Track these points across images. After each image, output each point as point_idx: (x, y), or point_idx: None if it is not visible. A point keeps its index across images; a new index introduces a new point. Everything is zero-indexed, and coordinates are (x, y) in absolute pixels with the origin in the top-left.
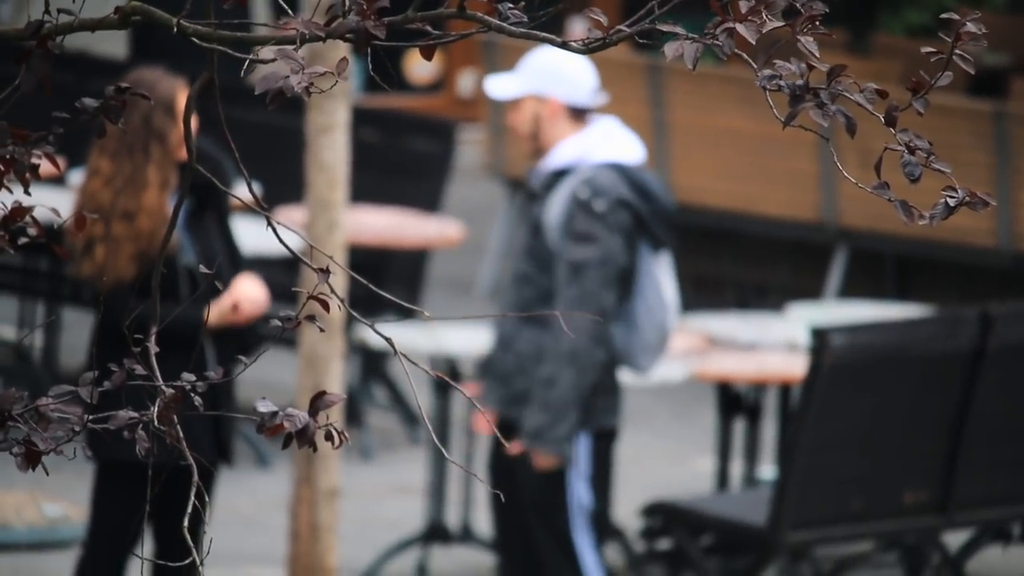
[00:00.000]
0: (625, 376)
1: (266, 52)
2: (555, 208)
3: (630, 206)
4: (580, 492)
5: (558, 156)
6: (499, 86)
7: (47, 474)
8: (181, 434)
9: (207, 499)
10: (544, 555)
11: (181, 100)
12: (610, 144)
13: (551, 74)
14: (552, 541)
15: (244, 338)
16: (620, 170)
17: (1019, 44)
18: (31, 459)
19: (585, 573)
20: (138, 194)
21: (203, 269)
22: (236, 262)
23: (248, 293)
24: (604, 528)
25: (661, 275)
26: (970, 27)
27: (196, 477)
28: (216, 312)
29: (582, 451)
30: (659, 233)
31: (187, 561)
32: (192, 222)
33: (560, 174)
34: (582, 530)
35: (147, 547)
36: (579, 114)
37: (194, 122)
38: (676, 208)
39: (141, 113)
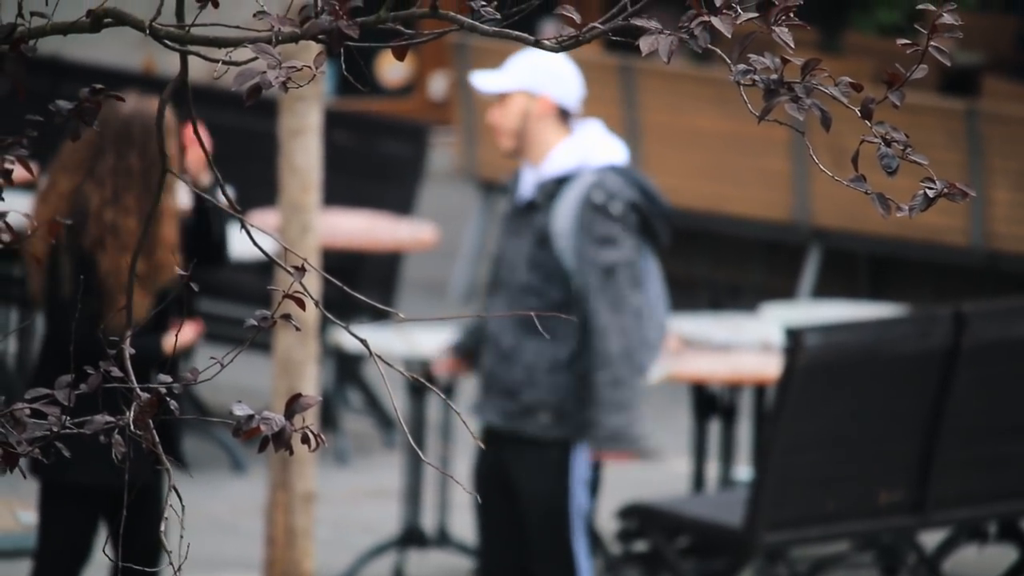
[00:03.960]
0: None
1: (240, 53)
2: (564, 216)
3: (638, 207)
4: (580, 498)
5: (556, 163)
6: (488, 80)
7: (24, 476)
8: (156, 439)
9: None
10: (536, 563)
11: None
12: (604, 148)
13: (546, 73)
14: (551, 547)
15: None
16: (621, 172)
17: (990, 43)
18: (9, 461)
19: None
20: (157, 227)
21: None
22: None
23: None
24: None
25: (655, 273)
26: (946, 19)
27: (171, 480)
28: (172, 342)
29: (584, 457)
30: (660, 233)
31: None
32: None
33: (560, 181)
34: (580, 536)
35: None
36: (565, 117)
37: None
38: (670, 208)
39: (151, 145)
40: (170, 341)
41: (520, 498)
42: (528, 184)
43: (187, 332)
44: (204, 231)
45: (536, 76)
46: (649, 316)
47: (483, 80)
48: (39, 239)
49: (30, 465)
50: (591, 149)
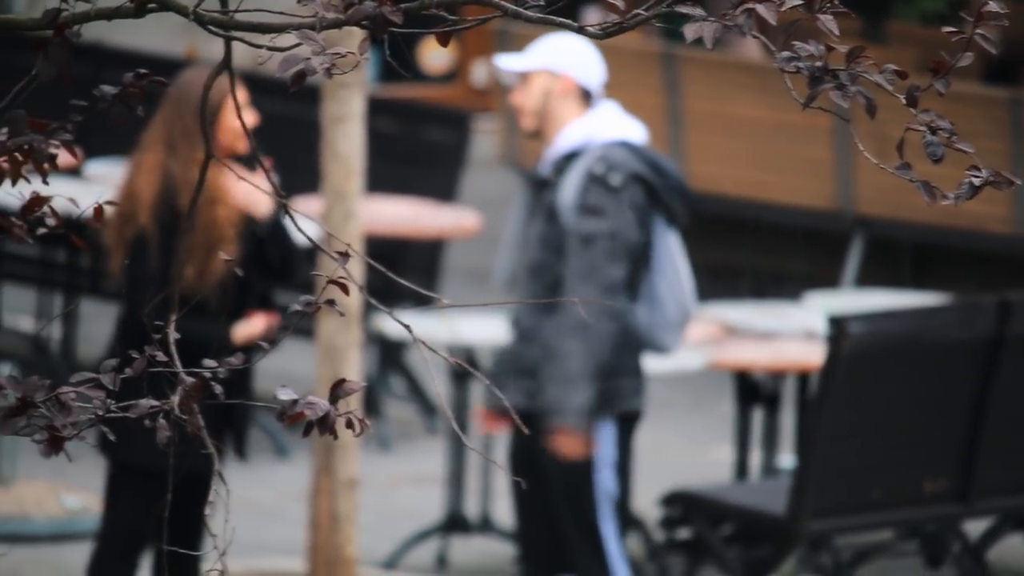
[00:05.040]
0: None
1: (284, 39)
2: (569, 189)
3: (644, 180)
4: (606, 480)
5: (565, 139)
6: (511, 61)
7: (70, 460)
8: (202, 423)
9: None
10: (569, 544)
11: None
12: (615, 124)
13: (568, 53)
14: (578, 530)
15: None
16: (630, 147)
17: None
18: (54, 445)
19: (609, 562)
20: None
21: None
22: (289, 264)
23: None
24: (624, 517)
25: (675, 251)
26: (992, 6)
27: (217, 466)
28: (243, 331)
29: (607, 437)
30: (674, 207)
31: (205, 551)
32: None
33: (569, 157)
34: (607, 518)
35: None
36: (586, 99)
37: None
38: (687, 184)
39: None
40: (242, 330)
41: (548, 478)
42: (545, 163)
43: (258, 322)
44: (277, 244)
45: (559, 56)
46: (668, 294)
47: (506, 61)
48: (123, 221)
49: (101, 444)
50: (599, 125)
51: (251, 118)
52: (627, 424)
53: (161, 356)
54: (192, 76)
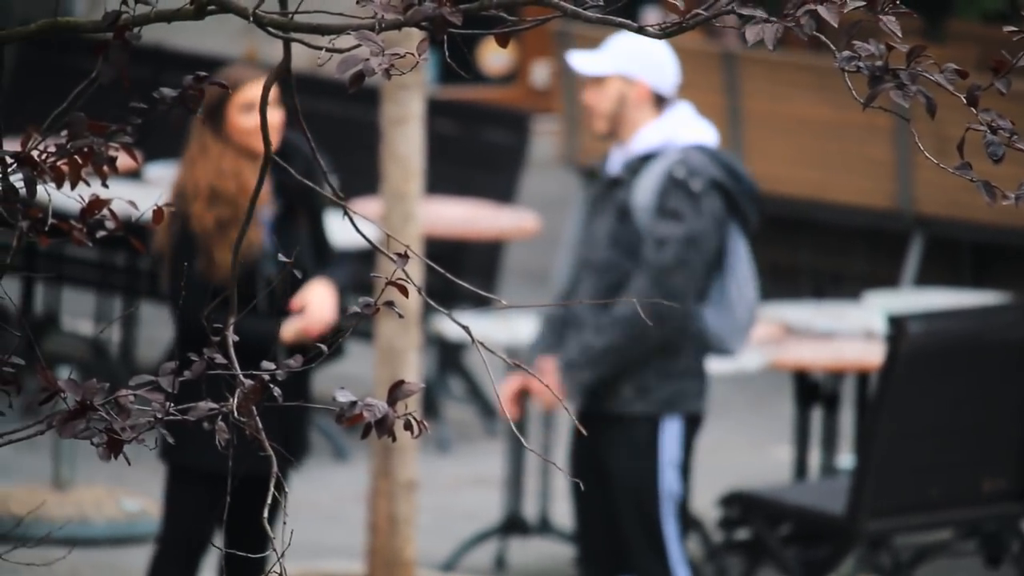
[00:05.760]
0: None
1: (343, 41)
2: (645, 191)
3: (722, 187)
4: (671, 480)
5: (643, 140)
6: (586, 62)
7: (128, 463)
8: (260, 425)
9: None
10: (629, 545)
11: (250, 90)
12: (692, 128)
13: (643, 58)
14: (641, 530)
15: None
16: (708, 152)
17: None
18: (113, 448)
19: (671, 563)
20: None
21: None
22: (328, 260)
23: (317, 307)
24: (685, 518)
25: (745, 256)
26: None
27: (275, 468)
28: (290, 328)
29: (673, 437)
30: (748, 214)
31: (266, 553)
32: (280, 226)
33: (645, 158)
34: (670, 519)
35: (220, 543)
36: (660, 102)
37: (277, 115)
38: (759, 190)
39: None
40: (287, 328)
41: (611, 479)
42: (615, 162)
43: (310, 317)
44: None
45: (634, 61)
46: (739, 298)
47: (581, 61)
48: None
49: (161, 449)
50: (678, 128)
51: (275, 116)
52: (691, 426)
53: (219, 358)
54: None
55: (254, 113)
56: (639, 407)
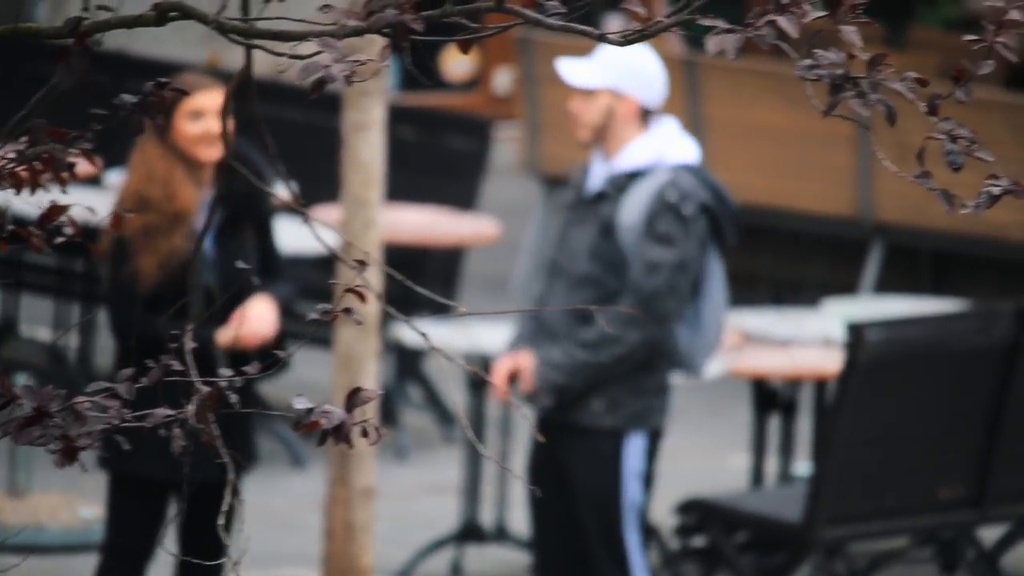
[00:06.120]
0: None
1: (305, 47)
2: (632, 210)
3: (709, 210)
4: (633, 490)
5: (631, 157)
6: (577, 74)
7: (84, 470)
8: (217, 432)
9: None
10: (587, 554)
11: (198, 98)
12: (679, 146)
13: (633, 73)
14: (603, 540)
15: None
16: (694, 172)
17: None
18: (68, 455)
19: (631, 572)
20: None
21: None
22: (274, 272)
23: (254, 318)
24: (645, 528)
25: (720, 276)
26: (1014, 15)
27: (231, 475)
28: (224, 335)
29: (637, 449)
30: (728, 235)
31: (220, 560)
32: (223, 235)
33: (632, 175)
34: (632, 529)
35: (174, 550)
36: (647, 115)
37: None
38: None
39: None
40: (225, 334)
41: (573, 488)
42: (598, 176)
43: (245, 321)
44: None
45: (626, 76)
46: (711, 318)
47: (571, 72)
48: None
49: (98, 459)
50: (667, 147)
51: (215, 127)
52: (655, 438)
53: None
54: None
55: (201, 121)
56: (608, 421)
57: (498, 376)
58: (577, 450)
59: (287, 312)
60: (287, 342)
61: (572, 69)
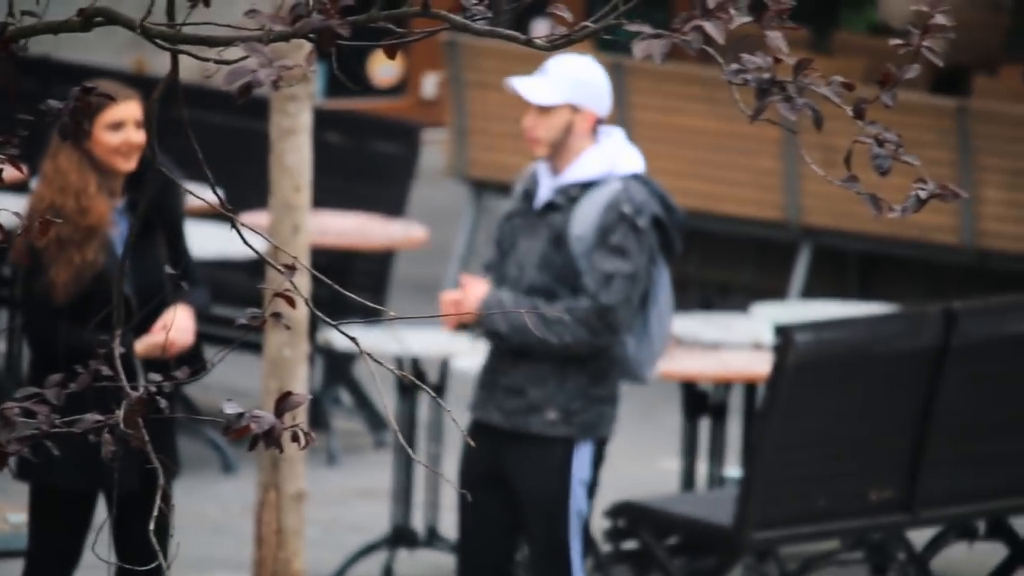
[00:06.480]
0: None
1: (232, 52)
2: (584, 221)
3: (660, 222)
4: (580, 498)
5: (584, 169)
6: (535, 91)
7: (14, 476)
8: (147, 438)
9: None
10: (534, 560)
11: (118, 109)
12: (628, 156)
13: (587, 86)
14: (548, 547)
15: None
16: (645, 183)
17: (981, 42)
18: None
19: None
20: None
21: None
22: (188, 278)
23: (173, 327)
24: (587, 535)
25: (667, 286)
26: (939, 19)
27: (162, 480)
28: (143, 344)
29: (585, 457)
30: (676, 246)
31: (152, 566)
32: (136, 244)
33: (584, 185)
34: (576, 537)
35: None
36: (596, 126)
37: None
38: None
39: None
40: (143, 341)
41: (519, 497)
42: (547, 186)
43: (159, 337)
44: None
45: (580, 90)
46: (657, 328)
47: (528, 90)
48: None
49: (18, 468)
50: (617, 157)
51: (134, 138)
52: (601, 446)
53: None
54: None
55: (121, 132)
56: (562, 430)
57: (445, 299)
58: (527, 458)
59: (204, 317)
60: (205, 348)
61: (528, 87)
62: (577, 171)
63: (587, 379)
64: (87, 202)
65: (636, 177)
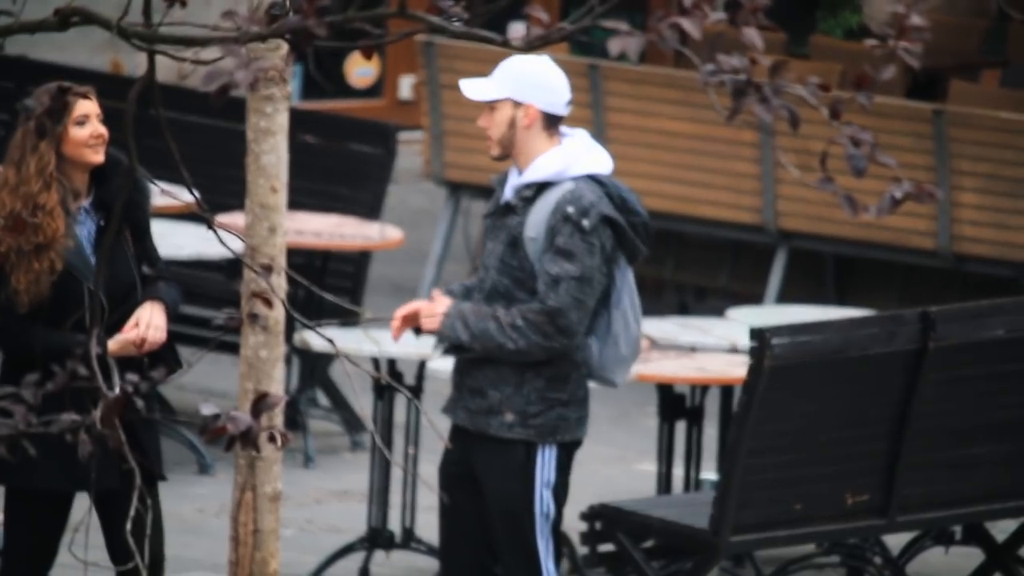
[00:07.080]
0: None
1: (209, 53)
2: (538, 221)
3: (613, 222)
4: (546, 501)
5: (538, 169)
6: (475, 88)
7: None
8: (124, 438)
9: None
10: (505, 564)
11: (81, 104)
12: (588, 157)
13: (531, 80)
14: (516, 550)
15: (159, 362)
16: (600, 183)
17: (957, 45)
18: None
19: None
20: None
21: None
22: (159, 276)
23: (146, 324)
24: (558, 538)
25: (631, 287)
26: (915, 20)
27: (139, 481)
28: (116, 342)
29: (550, 460)
30: (637, 246)
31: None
32: (101, 242)
33: (540, 186)
34: (544, 539)
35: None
36: (554, 123)
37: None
38: (648, 219)
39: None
40: (116, 339)
41: (485, 498)
42: (509, 187)
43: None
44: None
45: (521, 84)
46: (623, 331)
47: (470, 88)
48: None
49: None
50: (574, 158)
51: (100, 130)
52: (569, 449)
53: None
54: (38, 93)
55: (87, 125)
56: (519, 433)
57: (396, 316)
58: (490, 460)
59: (177, 316)
60: (182, 348)
61: (470, 86)
62: (531, 172)
63: (544, 382)
64: (43, 217)
65: (592, 178)
